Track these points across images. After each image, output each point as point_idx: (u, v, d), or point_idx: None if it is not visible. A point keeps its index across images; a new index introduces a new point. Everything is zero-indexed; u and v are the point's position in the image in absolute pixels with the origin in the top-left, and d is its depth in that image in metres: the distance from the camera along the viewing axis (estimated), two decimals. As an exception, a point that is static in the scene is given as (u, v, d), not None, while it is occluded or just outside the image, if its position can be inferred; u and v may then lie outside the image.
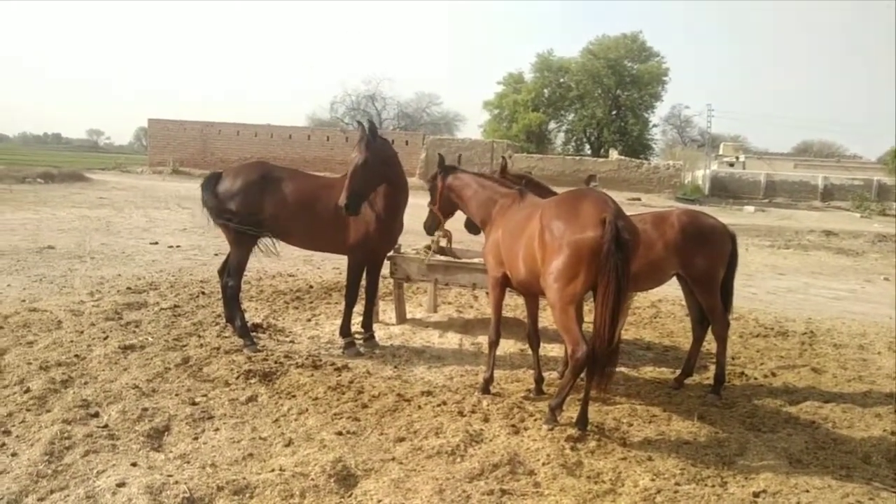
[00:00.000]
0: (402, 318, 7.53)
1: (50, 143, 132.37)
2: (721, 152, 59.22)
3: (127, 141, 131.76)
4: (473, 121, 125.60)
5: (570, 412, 4.62)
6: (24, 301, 7.27)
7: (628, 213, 4.61)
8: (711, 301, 5.36)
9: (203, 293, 8.16)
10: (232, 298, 6.25)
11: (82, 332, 6.13)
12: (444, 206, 5.79)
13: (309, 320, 7.34)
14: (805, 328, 8.27)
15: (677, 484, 3.77)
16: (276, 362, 5.62)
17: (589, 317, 4.82)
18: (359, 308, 6.57)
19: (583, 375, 4.21)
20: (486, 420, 4.61)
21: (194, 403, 4.63)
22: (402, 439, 4.22)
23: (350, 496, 3.51)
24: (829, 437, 4.63)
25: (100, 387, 4.79)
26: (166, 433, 4.17)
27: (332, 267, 10.55)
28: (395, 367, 5.87)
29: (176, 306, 7.40)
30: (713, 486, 3.78)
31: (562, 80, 56.75)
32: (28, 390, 4.59)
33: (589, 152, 54.89)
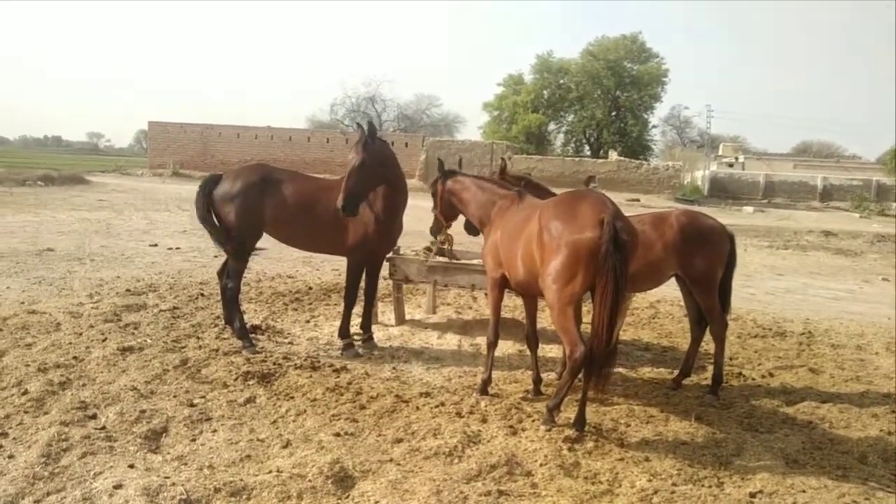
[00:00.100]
0: (400, 320, 7.54)
1: (50, 146, 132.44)
2: (720, 153, 59.24)
3: (127, 143, 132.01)
4: (473, 122, 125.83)
5: (568, 413, 4.62)
6: (23, 303, 7.28)
7: (627, 214, 4.63)
8: (710, 302, 5.37)
9: (202, 295, 8.17)
10: (231, 300, 6.25)
11: (81, 334, 6.13)
12: (445, 210, 5.82)
13: (308, 322, 7.35)
14: (803, 328, 8.28)
15: (674, 484, 3.77)
16: (274, 364, 5.62)
17: (588, 317, 4.83)
18: (357, 309, 6.58)
19: (580, 376, 4.22)
20: (484, 421, 4.61)
21: (192, 405, 4.64)
22: (399, 440, 4.22)
23: (347, 497, 3.51)
24: (826, 437, 4.63)
25: (98, 388, 4.80)
26: (164, 435, 4.18)
27: (332, 268, 10.56)
28: (394, 368, 5.88)
29: (175, 308, 7.41)
30: (710, 486, 3.79)
31: (561, 81, 56.78)
32: (26, 392, 4.60)
33: (588, 153, 54.91)
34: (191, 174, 40.71)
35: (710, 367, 5.71)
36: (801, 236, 22.74)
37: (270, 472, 3.68)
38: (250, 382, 5.13)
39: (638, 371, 6.19)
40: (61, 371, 5.08)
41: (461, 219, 5.98)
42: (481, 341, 6.64)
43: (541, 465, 3.91)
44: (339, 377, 5.42)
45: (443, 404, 4.88)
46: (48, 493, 3.36)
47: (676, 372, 5.81)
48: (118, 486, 3.42)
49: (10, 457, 3.70)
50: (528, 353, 5.52)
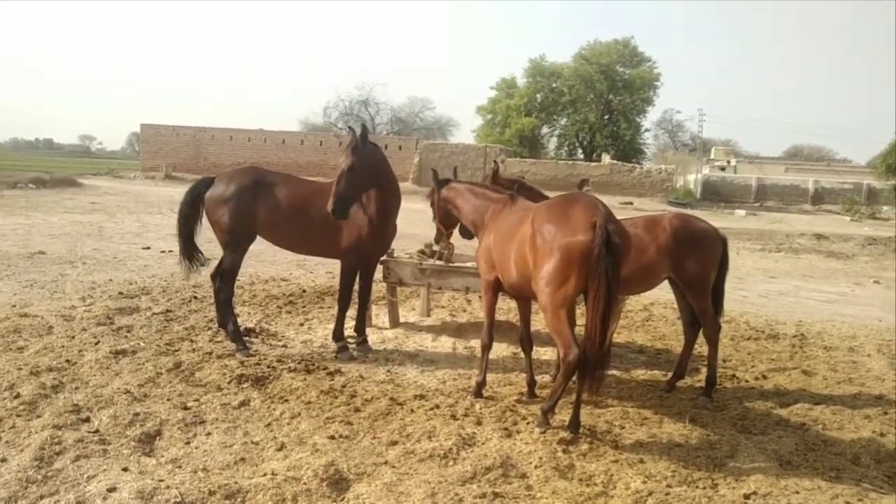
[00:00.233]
0: (395, 322, 7.53)
1: (41, 149, 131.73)
2: (712, 156, 59.59)
3: (119, 146, 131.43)
4: (467, 126, 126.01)
5: (563, 415, 4.63)
6: (14, 306, 7.24)
7: (620, 217, 4.65)
8: (703, 304, 5.39)
9: (195, 298, 8.14)
10: (224, 303, 6.24)
11: (73, 338, 6.10)
12: (443, 218, 5.86)
13: (302, 324, 7.34)
14: (796, 331, 8.32)
15: (669, 486, 3.79)
16: (268, 367, 5.61)
17: (582, 320, 4.84)
18: (352, 312, 6.57)
19: (575, 379, 4.23)
20: (478, 423, 4.62)
21: (186, 408, 4.62)
22: (394, 443, 4.22)
23: (342, 500, 3.51)
24: (819, 438, 4.66)
25: (91, 392, 4.77)
26: (158, 438, 4.16)
27: (326, 271, 10.54)
28: (388, 370, 5.88)
29: (168, 311, 7.38)
30: (704, 488, 3.80)
31: (554, 84, 56.92)
32: (18, 396, 4.56)
33: (581, 157, 55.08)
34: (183, 177, 40.54)
35: (704, 370, 5.73)
36: (793, 239, 22.86)
37: (265, 474, 3.67)
38: (244, 385, 5.12)
39: (632, 373, 6.20)
40: (54, 374, 5.05)
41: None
42: (476, 344, 6.63)
43: (536, 467, 3.92)
44: (333, 380, 5.41)
45: (437, 407, 4.89)
46: (41, 497, 3.34)
47: (670, 374, 5.83)
48: (112, 490, 3.40)
49: (3, 460, 3.68)
50: (522, 355, 5.53)
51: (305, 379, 5.36)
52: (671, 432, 4.65)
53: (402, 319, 7.70)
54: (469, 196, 5.55)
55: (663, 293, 7.32)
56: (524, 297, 5.12)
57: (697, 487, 3.80)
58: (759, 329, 8.28)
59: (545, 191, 6.49)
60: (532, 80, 56.97)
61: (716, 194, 47.48)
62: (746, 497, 3.71)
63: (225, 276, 6.22)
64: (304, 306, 8.15)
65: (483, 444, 4.25)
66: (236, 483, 3.54)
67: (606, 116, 55.47)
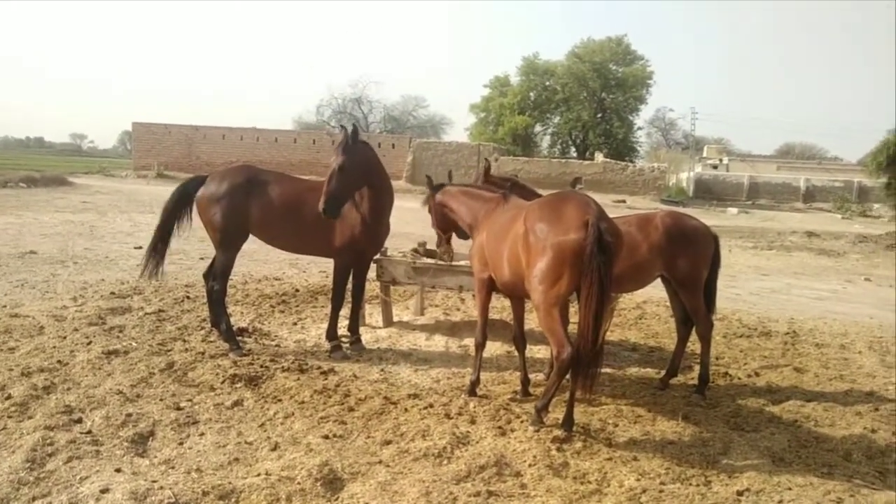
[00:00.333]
0: (388, 322, 7.53)
1: (32, 147, 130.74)
2: (705, 155, 59.84)
3: (111, 145, 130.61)
4: (460, 124, 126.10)
5: (557, 413, 4.64)
6: (5, 307, 7.18)
7: (613, 216, 4.66)
8: (695, 302, 5.41)
9: (188, 297, 8.11)
10: (217, 302, 6.22)
11: (65, 338, 6.06)
12: (440, 223, 5.87)
13: (295, 324, 7.32)
14: (788, 328, 8.36)
15: (662, 483, 3.80)
16: (261, 366, 5.59)
17: (575, 318, 4.85)
18: (345, 311, 6.56)
19: (568, 377, 4.24)
20: (472, 422, 4.62)
21: (179, 408, 4.60)
22: (388, 442, 4.22)
23: (337, 499, 3.50)
24: (811, 435, 4.68)
25: (83, 392, 4.74)
26: (151, 438, 4.14)
27: (319, 270, 10.52)
28: (382, 370, 5.87)
29: (160, 311, 7.34)
30: (697, 485, 3.82)
31: (547, 83, 57.02)
32: (9, 397, 4.53)
33: (575, 155, 55.16)
34: (175, 176, 40.36)
35: (697, 367, 5.75)
36: (784, 237, 22.99)
37: (259, 474, 3.66)
38: (237, 385, 5.10)
39: (625, 371, 6.22)
40: (45, 375, 5.02)
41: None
42: (469, 343, 6.64)
43: (530, 465, 3.92)
44: (326, 379, 5.40)
45: (431, 406, 4.89)
46: (34, 499, 3.32)
47: (663, 372, 5.85)
48: (105, 491, 3.38)
49: (-6, 462, 3.65)
50: (516, 354, 5.54)
51: (299, 378, 5.35)
52: (664, 430, 4.66)
53: (395, 318, 7.69)
54: (463, 198, 5.57)
55: (656, 291, 7.36)
56: (517, 296, 5.12)
57: (691, 484, 3.82)
58: (752, 326, 8.32)
59: (538, 189, 6.50)
60: (525, 79, 57.04)
61: (708, 192, 47.69)
62: (739, 494, 3.73)
63: (217, 276, 6.20)
64: (297, 305, 8.13)
65: (477, 442, 4.25)
66: (230, 483, 3.53)
67: (599, 115, 55.60)
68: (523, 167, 41.23)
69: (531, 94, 56.94)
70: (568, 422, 4.42)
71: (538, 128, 59.17)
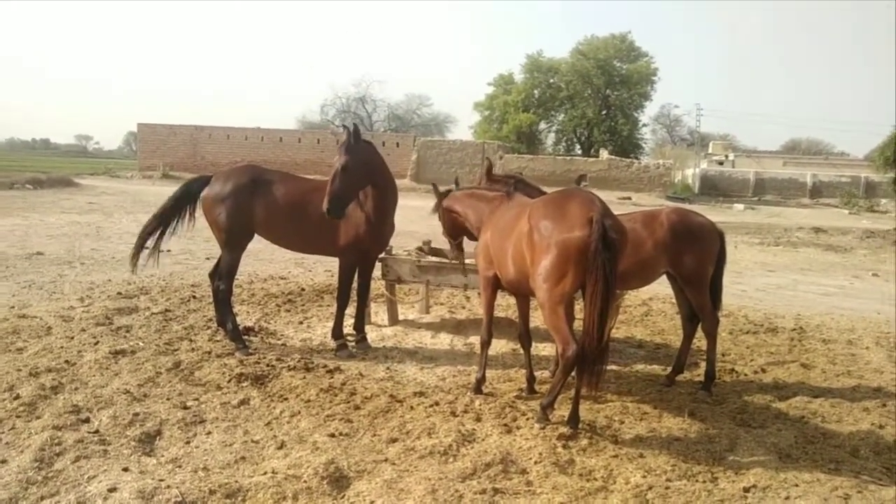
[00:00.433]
0: (394, 320, 7.54)
1: (38, 149, 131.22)
2: (710, 151, 59.60)
3: (116, 146, 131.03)
4: (464, 122, 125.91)
5: (562, 411, 4.64)
6: (13, 308, 7.23)
7: (619, 213, 4.65)
8: (701, 299, 5.40)
9: (194, 297, 8.14)
10: (223, 302, 6.24)
11: (72, 338, 6.10)
12: (450, 229, 5.87)
13: (301, 323, 7.34)
14: (794, 324, 8.33)
15: (668, 480, 3.79)
16: (267, 365, 5.61)
17: (581, 315, 4.85)
18: (350, 310, 6.57)
19: (574, 374, 4.24)
20: (478, 420, 4.62)
21: (186, 407, 4.62)
22: (394, 440, 4.23)
23: (343, 497, 3.51)
24: (818, 431, 4.67)
25: (90, 392, 4.77)
26: (158, 438, 4.16)
27: (324, 269, 10.54)
28: (388, 368, 5.88)
29: (167, 311, 7.38)
30: (704, 481, 3.81)
31: (552, 80, 56.84)
32: (18, 397, 4.56)
33: (579, 152, 55.03)
34: (180, 176, 40.48)
35: (703, 364, 5.74)
36: (791, 233, 22.89)
37: (265, 473, 3.68)
38: (244, 384, 5.12)
39: (631, 368, 6.22)
40: (53, 375, 5.05)
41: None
42: (475, 340, 6.64)
43: (535, 462, 3.92)
44: (332, 378, 5.42)
45: (437, 404, 4.89)
46: (42, 498, 3.34)
47: (669, 369, 5.84)
48: (112, 490, 3.40)
49: (3, 462, 3.68)
50: (521, 351, 5.54)
51: (305, 377, 5.36)
52: (670, 426, 4.65)
53: (401, 317, 7.70)
54: (468, 200, 5.60)
55: (662, 288, 7.34)
56: (522, 294, 5.12)
57: (697, 481, 3.81)
58: (758, 323, 8.29)
59: (543, 187, 6.49)
60: (529, 76, 56.91)
61: (714, 189, 47.51)
62: (746, 490, 3.72)
63: (223, 275, 6.22)
64: (302, 304, 8.15)
65: (483, 440, 4.26)
66: (237, 482, 3.55)
67: (604, 112, 55.41)
68: (528, 165, 41.15)
69: (535, 91, 56.80)
70: (574, 419, 4.41)
71: (543, 125, 59.06)
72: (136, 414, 4.41)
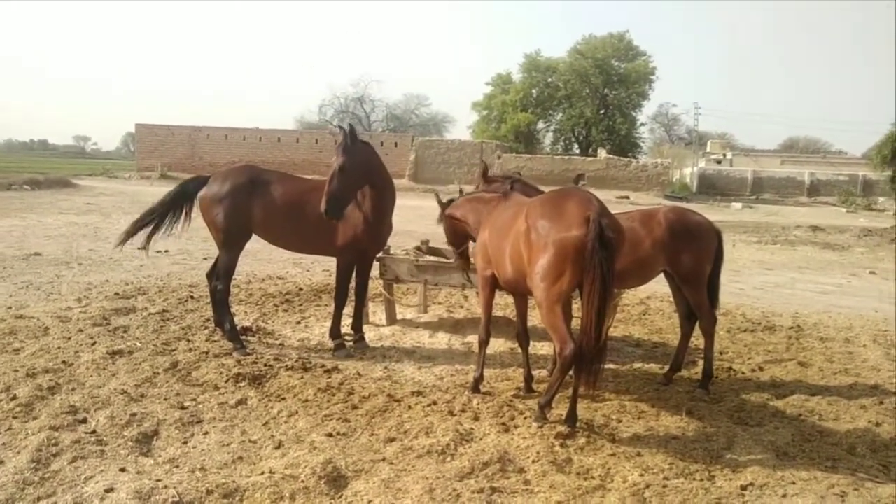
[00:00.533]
0: (392, 320, 7.53)
1: (36, 150, 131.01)
2: (708, 150, 59.61)
3: (114, 146, 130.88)
4: (462, 122, 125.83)
5: (560, 409, 4.64)
6: (10, 308, 7.22)
7: (617, 212, 4.65)
8: (699, 297, 5.41)
9: (192, 297, 8.13)
10: (221, 302, 6.23)
11: (70, 339, 6.09)
12: (452, 237, 5.88)
13: (298, 323, 7.33)
14: (792, 322, 8.34)
15: (666, 478, 3.80)
16: (265, 365, 5.61)
17: (579, 314, 4.86)
18: (348, 310, 6.57)
19: (572, 373, 4.24)
20: (476, 419, 4.62)
21: (183, 408, 4.62)
22: (392, 440, 4.23)
23: (341, 497, 3.51)
24: (816, 429, 4.68)
25: (87, 393, 4.76)
26: (155, 438, 4.15)
27: (322, 269, 10.54)
28: (386, 367, 5.88)
29: (164, 311, 7.37)
30: (701, 479, 3.82)
31: (550, 80, 56.85)
32: (14, 397, 4.55)
33: (577, 151, 55.02)
34: (179, 176, 40.45)
35: (701, 362, 5.74)
36: (789, 231, 22.92)
37: (263, 473, 3.67)
38: (241, 384, 5.12)
39: (629, 367, 6.22)
40: (50, 376, 5.04)
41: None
42: (473, 340, 6.65)
43: (533, 461, 3.92)
44: (330, 378, 5.41)
45: (435, 403, 4.89)
46: (39, 499, 3.34)
47: (667, 367, 5.85)
48: (109, 490, 3.40)
49: (0, 462, 3.67)
50: (519, 350, 5.54)
51: (303, 377, 5.36)
52: (668, 425, 4.66)
53: (399, 316, 7.70)
54: (469, 205, 5.62)
55: (660, 287, 7.35)
56: (520, 293, 5.12)
57: (694, 479, 3.81)
58: (756, 321, 8.30)
59: (541, 186, 6.49)
60: (527, 76, 56.92)
61: (712, 187, 47.58)
62: (743, 488, 3.73)
63: (221, 275, 6.21)
64: (300, 304, 8.15)
65: (481, 439, 4.26)
66: (234, 482, 3.54)
67: (602, 111, 55.42)
68: (526, 164, 41.17)
69: (533, 91, 56.81)
70: (571, 418, 4.42)
71: (541, 125, 59.05)
72: (134, 414, 4.41)
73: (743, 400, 5.29)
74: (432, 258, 7.42)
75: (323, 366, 5.71)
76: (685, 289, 5.46)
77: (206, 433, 4.26)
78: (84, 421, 4.30)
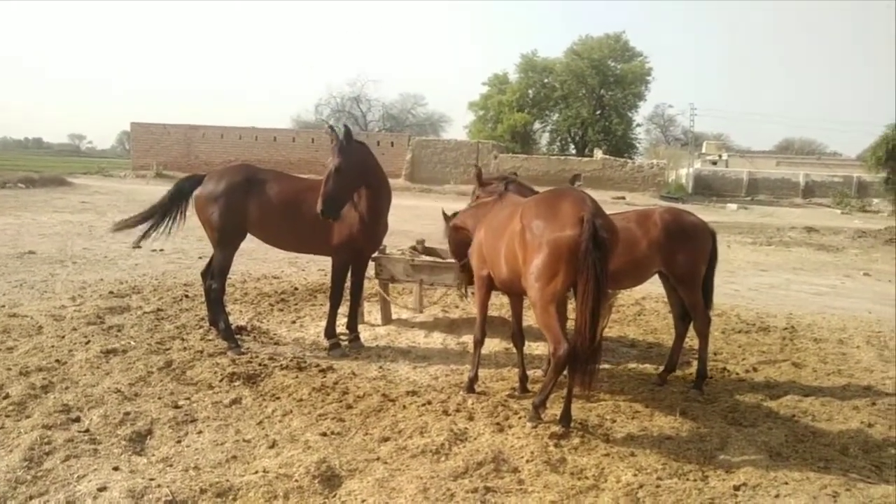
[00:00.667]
0: (387, 319, 7.53)
1: (31, 148, 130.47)
2: (704, 151, 59.79)
3: (109, 145, 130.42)
4: (459, 122, 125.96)
5: (554, 409, 4.65)
6: (3, 306, 7.19)
7: (613, 212, 4.66)
8: (693, 298, 5.42)
9: (187, 296, 8.11)
10: (216, 301, 6.23)
11: (63, 337, 6.07)
12: (455, 247, 5.87)
13: (293, 322, 7.33)
14: (786, 323, 8.36)
15: (659, 479, 3.81)
16: (260, 364, 5.60)
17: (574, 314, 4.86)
18: (343, 309, 6.57)
19: (566, 373, 4.24)
20: (470, 419, 4.63)
21: (177, 407, 4.61)
22: (386, 439, 4.23)
23: (335, 496, 3.51)
24: (809, 430, 4.69)
25: (81, 391, 4.75)
26: (149, 437, 4.15)
27: (318, 269, 10.52)
28: (380, 367, 5.88)
29: (159, 310, 7.35)
30: (695, 480, 3.83)
31: (546, 80, 56.87)
32: (7, 396, 4.54)
33: (574, 152, 55.07)
34: (174, 175, 40.34)
35: (695, 363, 5.76)
36: (783, 233, 22.98)
37: (257, 472, 3.67)
38: (236, 383, 5.11)
39: (624, 367, 6.23)
40: (43, 374, 5.02)
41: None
42: (468, 340, 6.65)
43: (527, 461, 3.93)
44: (325, 377, 5.41)
45: (430, 403, 4.89)
46: (31, 497, 3.33)
47: (662, 368, 5.86)
48: (102, 489, 3.39)
49: (-8, 461, 3.66)
50: (514, 350, 5.54)
51: (297, 376, 5.35)
52: (662, 425, 4.67)
53: (394, 316, 7.70)
54: (469, 211, 5.66)
55: (655, 288, 7.36)
56: (515, 293, 5.12)
57: (688, 479, 3.83)
58: (750, 322, 8.33)
59: (537, 187, 6.49)
60: (524, 76, 56.92)
61: (707, 188, 47.69)
62: (736, 489, 3.74)
63: (216, 275, 6.20)
64: (295, 304, 8.14)
65: (475, 439, 4.26)
66: (228, 481, 3.54)
67: (598, 111, 55.46)
68: (522, 164, 41.17)
69: (530, 91, 56.82)
70: (565, 418, 4.42)
71: (537, 125, 59.06)
72: (127, 413, 4.40)
73: (737, 400, 5.30)
74: (428, 258, 7.42)
75: (318, 365, 5.70)
76: (680, 289, 5.47)
77: (200, 432, 4.25)
78: (77, 420, 4.29)
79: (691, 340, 5.98)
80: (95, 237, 13.64)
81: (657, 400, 5.24)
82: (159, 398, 4.75)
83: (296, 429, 4.34)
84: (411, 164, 42.28)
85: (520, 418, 4.62)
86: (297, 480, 3.57)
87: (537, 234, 4.19)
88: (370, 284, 7.91)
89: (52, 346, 5.77)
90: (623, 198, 35.90)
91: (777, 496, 3.68)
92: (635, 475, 3.82)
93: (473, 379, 5.24)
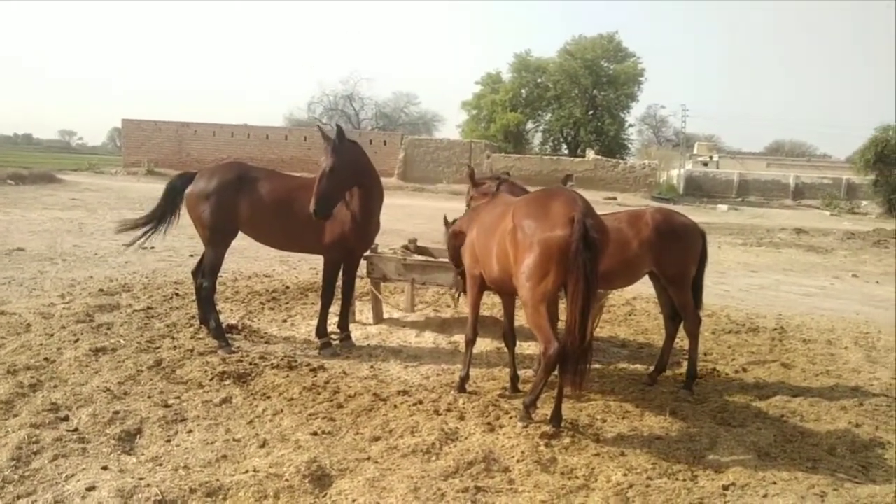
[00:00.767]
0: (378, 318, 7.52)
1: (20, 144, 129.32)
2: (695, 152, 60.11)
3: (100, 141, 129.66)
4: (452, 121, 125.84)
5: (545, 409, 4.66)
6: (-8, 304, 7.13)
7: (604, 212, 4.67)
8: (684, 298, 5.44)
9: (177, 295, 8.07)
10: (206, 300, 6.20)
11: (52, 335, 6.02)
12: (453, 252, 5.82)
13: (285, 321, 7.30)
14: (776, 324, 8.42)
15: (649, 478, 3.82)
16: (251, 363, 5.58)
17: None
18: (335, 308, 6.55)
19: (557, 373, 4.25)
20: (461, 418, 4.63)
21: (167, 406, 4.58)
22: (377, 438, 4.22)
23: (325, 496, 3.50)
24: (797, 430, 4.72)
25: (70, 390, 4.71)
26: (138, 436, 4.12)
27: (309, 267, 10.50)
28: (372, 366, 5.87)
29: (149, 308, 7.31)
30: (684, 479, 3.85)
31: (539, 80, 56.98)
32: (-5, 395, 4.50)
33: (566, 152, 55.21)
34: (166, 172, 40.14)
35: (685, 363, 5.79)
36: (773, 234, 23.13)
37: (247, 471, 3.65)
38: (226, 382, 5.09)
39: (614, 367, 6.25)
40: (31, 373, 4.98)
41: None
42: (459, 339, 6.65)
43: (518, 461, 3.94)
44: (316, 376, 5.40)
45: (421, 402, 4.89)
46: (18, 497, 3.30)
47: (652, 368, 5.88)
48: (91, 489, 3.37)
49: (-21, 460, 3.62)
50: (505, 350, 5.55)
51: (288, 375, 5.34)
52: (652, 425, 4.69)
53: (385, 315, 7.69)
54: (466, 218, 5.65)
55: (645, 288, 7.39)
56: (507, 292, 5.13)
57: (677, 479, 3.84)
58: (740, 322, 8.38)
59: (529, 186, 6.51)
60: (517, 76, 57.01)
61: (698, 189, 47.97)
62: (725, 488, 3.76)
63: (207, 273, 6.18)
64: (286, 303, 8.12)
65: (466, 438, 4.26)
66: (218, 480, 3.52)
67: (591, 112, 55.61)
68: (515, 164, 41.23)
69: (523, 91, 56.91)
70: (556, 418, 4.44)
71: (530, 125, 59.15)
72: (117, 412, 4.37)
73: (726, 401, 5.33)
74: (420, 257, 7.42)
75: (308, 364, 5.69)
76: (671, 290, 5.50)
77: (190, 431, 4.23)
78: (66, 418, 4.26)
79: (682, 341, 6.01)
80: (85, 234, 13.56)
81: (647, 400, 5.26)
82: (149, 397, 4.72)
83: (286, 428, 4.33)
84: (404, 163, 42.27)
85: (511, 418, 4.63)
86: (287, 480, 3.56)
87: (528, 233, 4.19)
88: (362, 283, 7.91)
89: (41, 345, 5.73)
90: (615, 198, 36.03)
91: (765, 496, 3.71)
92: (625, 475, 3.83)
93: (465, 378, 5.25)
